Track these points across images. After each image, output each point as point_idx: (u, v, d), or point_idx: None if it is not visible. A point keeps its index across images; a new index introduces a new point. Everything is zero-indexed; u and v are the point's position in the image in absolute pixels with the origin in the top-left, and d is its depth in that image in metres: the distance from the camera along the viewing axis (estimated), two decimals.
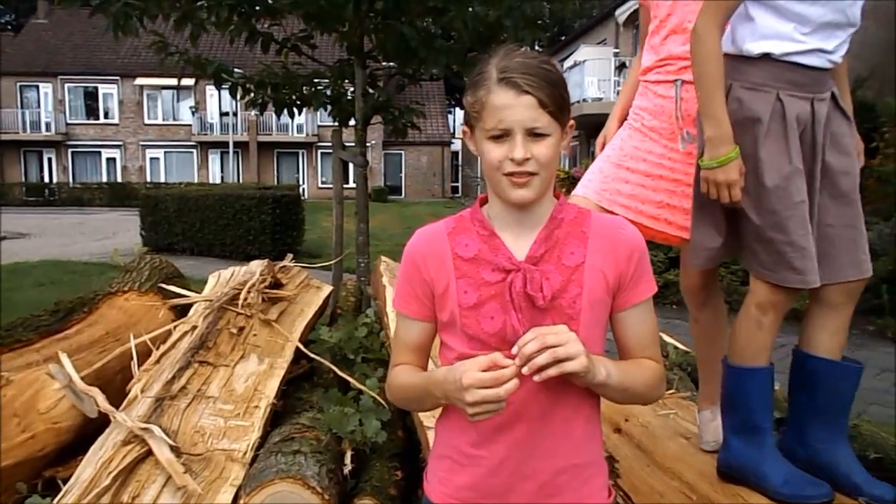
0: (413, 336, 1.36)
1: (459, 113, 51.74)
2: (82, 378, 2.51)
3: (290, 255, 4.23)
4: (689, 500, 1.88)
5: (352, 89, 5.41)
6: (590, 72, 19.72)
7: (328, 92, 5.55)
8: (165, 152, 33.08)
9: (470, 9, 4.68)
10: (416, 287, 1.32)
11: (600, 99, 18.17)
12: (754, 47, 1.83)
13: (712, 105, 1.82)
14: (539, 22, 5.22)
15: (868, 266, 1.89)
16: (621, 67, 20.07)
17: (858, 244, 1.87)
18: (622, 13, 20.95)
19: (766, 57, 1.81)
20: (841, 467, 1.87)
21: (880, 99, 8.46)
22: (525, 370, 1.12)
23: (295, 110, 5.53)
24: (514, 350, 1.14)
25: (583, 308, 1.26)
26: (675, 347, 3.76)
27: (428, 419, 2.19)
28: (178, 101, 32.77)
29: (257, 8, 4.91)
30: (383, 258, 4.55)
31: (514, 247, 1.28)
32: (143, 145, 32.74)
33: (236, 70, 5.45)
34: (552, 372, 1.13)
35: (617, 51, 21.29)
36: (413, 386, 1.32)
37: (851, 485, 1.84)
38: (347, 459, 2.30)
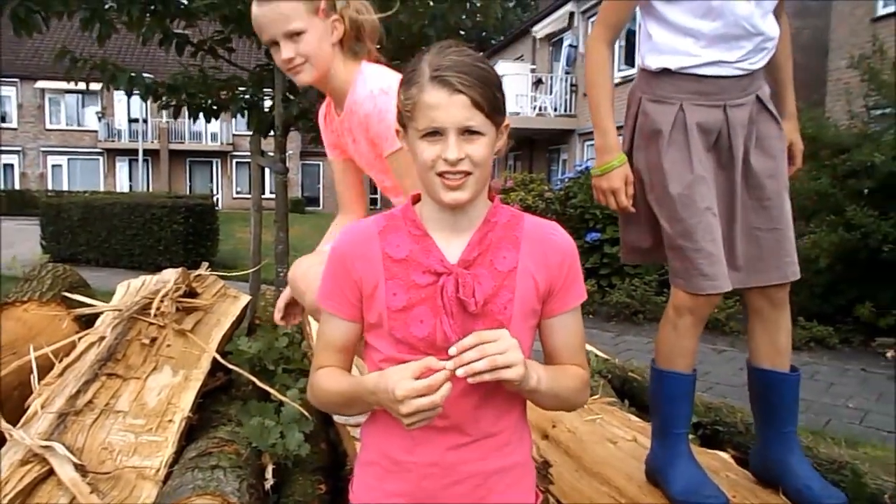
0: (338, 336, 1.32)
1: None
2: None
3: (205, 264, 4.07)
4: (617, 503, 1.89)
5: (271, 95, 5.29)
6: (507, 87, 20.02)
7: (246, 97, 5.40)
8: (69, 159, 31.52)
9: (393, 17, 4.66)
10: (344, 286, 1.28)
11: (517, 113, 18.50)
12: (652, 62, 1.87)
13: (598, 116, 1.89)
14: (462, 33, 5.25)
15: (794, 269, 1.89)
16: (538, 83, 20.54)
17: (784, 247, 1.87)
18: (539, 30, 21.46)
19: (667, 71, 1.84)
20: (791, 475, 1.87)
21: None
22: (460, 372, 1.10)
23: (211, 115, 5.35)
24: (452, 351, 1.12)
25: (514, 314, 1.25)
26: (596, 355, 3.82)
27: (355, 429, 2.13)
28: (83, 106, 31.35)
29: (172, 9, 4.72)
30: None
31: (447, 249, 1.26)
32: (43, 151, 31.10)
33: (146, 75, 5.22)
34: (487, 377, 1.11)
35: (534, 67, 21.77)
36: (340, 392, 1.28)
37: (802, 492, 1.83)
38: (269, 474, 2.20)
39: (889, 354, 6.21)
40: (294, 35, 1.83)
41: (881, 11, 10.69)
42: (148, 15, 4.57)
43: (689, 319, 1.86)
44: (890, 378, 5.58)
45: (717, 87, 1.82)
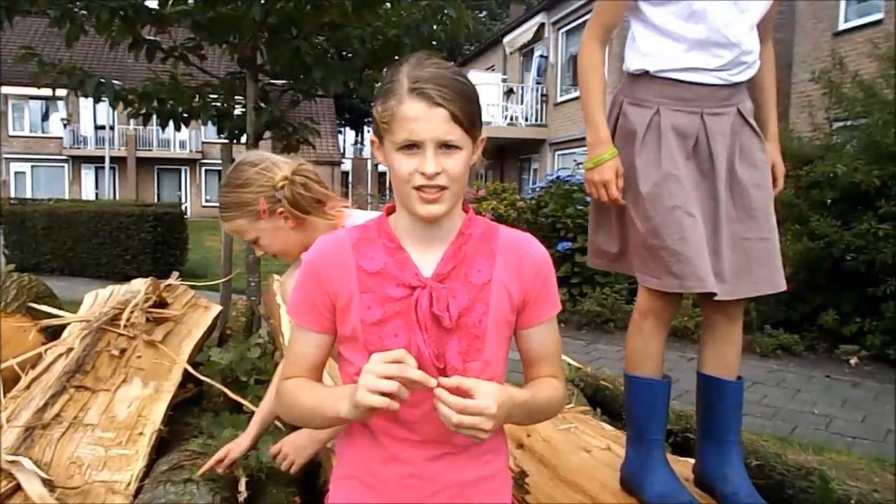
0: (309, 348, 1.30)
1: (350, 133, 51.56)
2: None
3: (175, 273, 4.02)
4: None
5: (242, 103, 5.25)
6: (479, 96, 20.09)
7: (217, 105, 5.35)
8: (32, 166, 30.89)
9: (367, 27, 4.67)
10: (316, 298, 1.26)
11: (489, 123, 18.59)
12: (634, 65, 1.92)
13: (589, 112, 1.92)
14: (434, 43, 5.28)
15: (782, 280, 1.90)
16: (509, 93, 20.67)
17: (774, 257, 1.89)
18: (510, 40, 21.63)
19: (647, 74, 1.88)
20: (722, 481, 1.88)
21: None
22: (435, 401, 1.09)
23: (181, 123, 5.29)
24: (433, 383, 1.10)
25: (488, 327, 1.24)
26: (569, 364, 3.85)
27: (330, 442, 2.11)
28: (47, 112, 30.78)
29: (142, 15, 4.66)
30: (276, 277, 4.40)
31: (421, 261, 1.24)
32: (6, 158, 30.40)
33: (114, 81, 5.15)
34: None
35: (505, 77, 21.91)
36: (312, 399, 1.25)
37: (725, 496, 1.84)
38: (242, 487, 2.17)
39: (852, 361, 6.34)
40: (254, 241, 1.92)
41: (843, 26, 10.97)
42: (118, 20, 4.50)
43: (652, 322, 1.89)
44: (853, 385, 5.70)
45: (695, 94, 1.86)
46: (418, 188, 1.18)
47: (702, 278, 1.77)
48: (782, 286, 1.91)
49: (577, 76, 2.00)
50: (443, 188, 1.18)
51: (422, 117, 1.15)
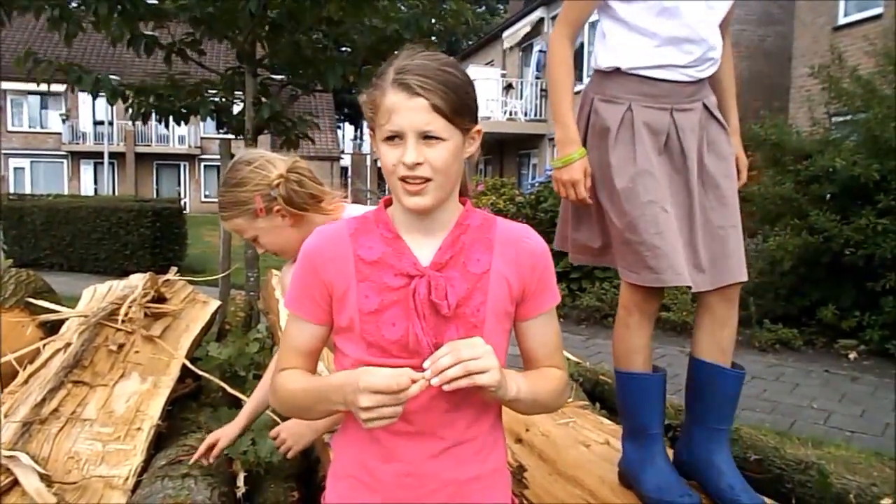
0: (305, 339, 1.29)
1: (349, 128, 51.42)
2: None
3: (174, 269, 4.01)
4: None
5: (241, 98, 5.24)
6: (478, 91, 19.98)
7: (216, 100, 5.34)
8: (32, 162, 30.85)
9: (366, 21, 4.66)
10: (313, 288, 1.26)
11: (488, 118, 18.57)
12: (605, 62, 1.92)
13: (559, 110, 1.92)
14: (433, 37, 5.27)
15: (745, 269, 1.93)
16: (508, 88, 20.64)
17: (741, 245, 1.92)
18: (509, 35, 21.58)
19: (618, 71, 1.88)
20: (715, 472, 1.86)
21: (742, 125, 9.13)
22: (435, 381, 1.08)
23: (181, 119, 5.28)
24: (427, 364, 1.10)
25: (486, 316, 1.24)
26: (568, 359, 3.84)
27: (328, 436, 2.11)
28: (46, 107, 30.72)
29: (141, 9, 4.65)
30: (275, 272, 4.40)
31: (419, 251, 1.24)
32: (5, 154, 30.38)
33: (112, 77, 5.14)
34: (462, 383, 1.10)
35: (504, 72, 21.88)
36: (307, 391, 1.25)
37: (721, 490, 1.83)
38: (240, 482, 2.17)
39: (851, 356, 6.34)
40: (253, 240, 1.92)
41: (842, 20, 10.96)
42: (116, 14, 4.49)
43: (637, 316, 1.90)
44: (852, 379, 5.71)
45: (664, 91, 1.87)
46: (403, 179, 1.18)
47: (679, 272, 1.79)
48: (745, 276, 1.92)
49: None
50: (427, 179, 1.17)
51: (402, 108, 1.15)
